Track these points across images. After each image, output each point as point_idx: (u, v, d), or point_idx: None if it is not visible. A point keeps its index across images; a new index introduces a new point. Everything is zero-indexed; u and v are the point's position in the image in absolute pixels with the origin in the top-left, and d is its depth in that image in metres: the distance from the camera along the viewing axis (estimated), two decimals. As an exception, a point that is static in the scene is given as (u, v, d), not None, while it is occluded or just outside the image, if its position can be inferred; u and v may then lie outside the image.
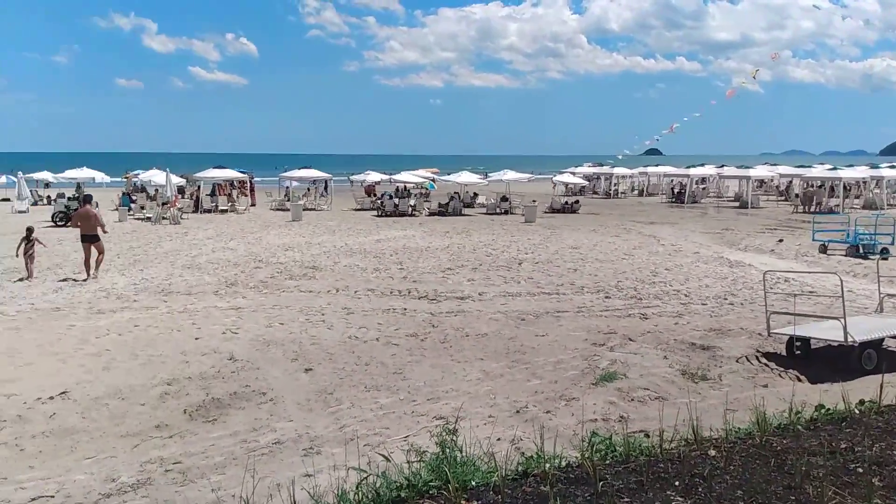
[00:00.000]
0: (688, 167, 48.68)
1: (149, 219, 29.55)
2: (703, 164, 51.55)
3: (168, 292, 14.25)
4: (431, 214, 34.07)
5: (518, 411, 7.43)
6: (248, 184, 39.46)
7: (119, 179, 47.91)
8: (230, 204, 35.11)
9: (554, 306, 12.89)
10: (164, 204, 30.62)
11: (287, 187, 41.30)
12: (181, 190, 35.98)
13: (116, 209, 31.47)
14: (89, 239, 15.99)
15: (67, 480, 5.94)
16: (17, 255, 16.16)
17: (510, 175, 40.77)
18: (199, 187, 36.25)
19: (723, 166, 50.59)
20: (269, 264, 17.99)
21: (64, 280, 15.61)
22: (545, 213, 34.59)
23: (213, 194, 36.00)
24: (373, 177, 45.01)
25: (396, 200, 34.60)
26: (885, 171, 42.10)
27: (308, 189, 41.86)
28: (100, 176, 43.00)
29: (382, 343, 10.34)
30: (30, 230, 16.48)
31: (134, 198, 34.71)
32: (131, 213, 31.75)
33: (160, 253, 19.99)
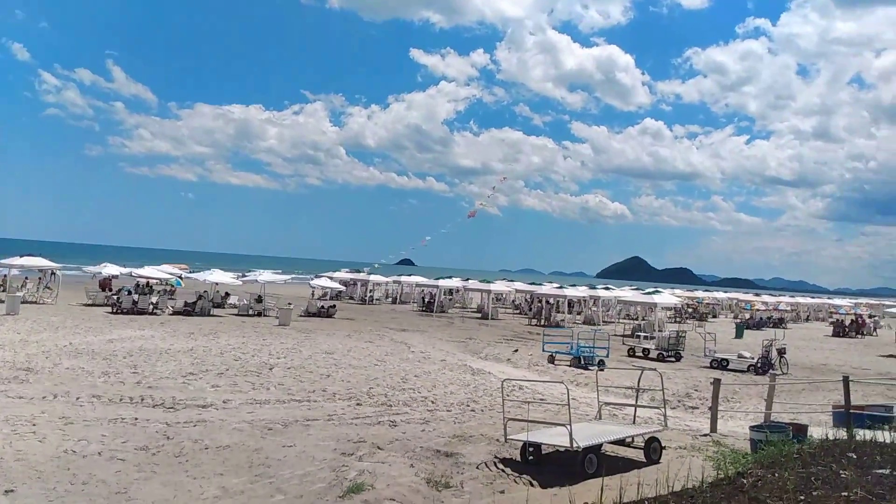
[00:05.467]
0: (437, 278, 51.58)
1: None
2: (450, 277, 54.99)
3: None
4: (176, 313, 31.83)
5: (258, 531, 6.92)
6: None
7: None
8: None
9: (304, 414, 12.52)
10: None
11: (4, 275, 36.12)
12: None
13: None
14: None
15: None
16: None
17: (266, 276, 39.91)
18: None
19: (468, 279, 54.44)
20: (-31, 365, 15.30)
21: None
22: (301, 316, 34.12)
23: None
24: (110, 269, 41.08)
25: (136, 297, 31.85)
26: (602, 292, 48.41)
27: (26, 279, 37.01)
28: None
29: (106, 458, 9.15)
30: None
31: None
32: None
33: None
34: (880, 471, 7.04)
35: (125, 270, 40.32)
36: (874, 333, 48.20)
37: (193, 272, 46.37)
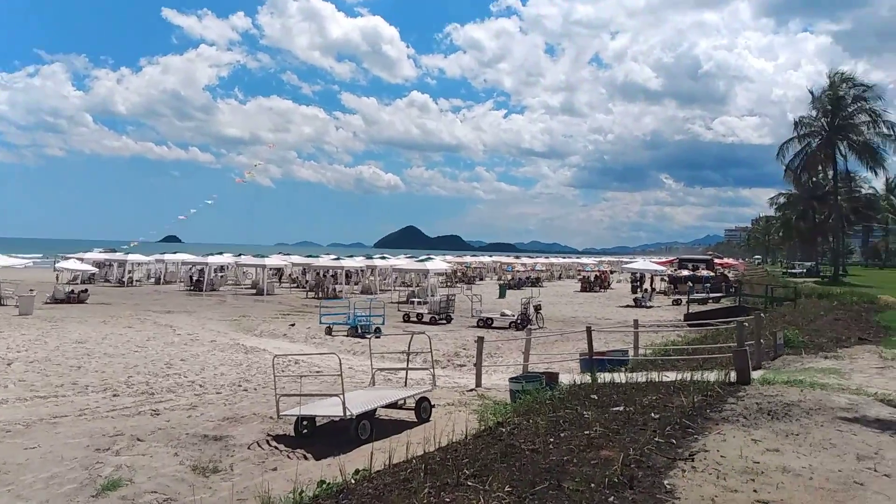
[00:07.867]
0: (207, 255, 48.91)
1: None
2: (221, 253, 52.41)
3: None
4: None
5: (-9, 549, 6.10)
6: None
7: None
8: None
9: (50, 411, 11.21)
10: None
11: None
12: None
13: None
14: None
15: None
16: None
17: (2, 261, 34.93)
18: None
19: (241, 255, 52.36)
20: None
21: None
22: (46, 303, 30.49)
23: None
24: None
25: None
26: (378, 262, 49.29)
27: None
28: None
29: None
30: None
31: None
32: None
33: None
34: (616, 408, 8.01)
35: None
36: (612, 287, 54.70)
37: None
